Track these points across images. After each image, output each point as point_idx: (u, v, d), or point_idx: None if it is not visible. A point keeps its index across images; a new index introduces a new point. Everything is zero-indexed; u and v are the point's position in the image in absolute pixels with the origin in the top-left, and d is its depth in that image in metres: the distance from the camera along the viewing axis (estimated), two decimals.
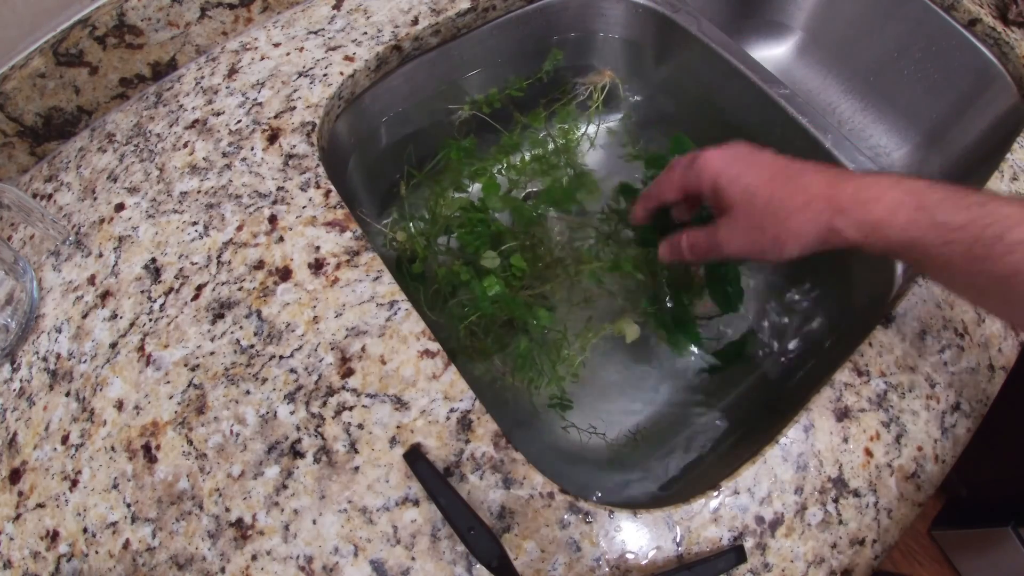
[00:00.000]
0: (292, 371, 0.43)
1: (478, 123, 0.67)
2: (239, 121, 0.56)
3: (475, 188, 0.65)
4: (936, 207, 0.32)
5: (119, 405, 0.44)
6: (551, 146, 0.67)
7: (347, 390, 0.42)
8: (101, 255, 0.50)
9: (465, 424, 0.41)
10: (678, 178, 0.42)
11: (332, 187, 0.51)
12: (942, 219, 0.32)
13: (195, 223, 0.50)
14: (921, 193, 0.33)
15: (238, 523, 0.39)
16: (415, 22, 0.61)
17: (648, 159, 0.59)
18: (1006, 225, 0.30)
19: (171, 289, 0.48)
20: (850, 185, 0.35)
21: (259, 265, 0.48)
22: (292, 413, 0.42)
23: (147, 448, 0.42)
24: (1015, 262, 0.30)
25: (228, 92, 0.58)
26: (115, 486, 0.41)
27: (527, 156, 0.67)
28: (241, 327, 0.45)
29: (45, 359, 0.47)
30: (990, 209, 0.31)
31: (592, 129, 0.70)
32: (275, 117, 0.56)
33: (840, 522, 0.39)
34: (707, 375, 0.58)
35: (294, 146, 0.54)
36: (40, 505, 0.42)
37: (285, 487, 0.40)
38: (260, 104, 0.57)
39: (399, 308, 0.45)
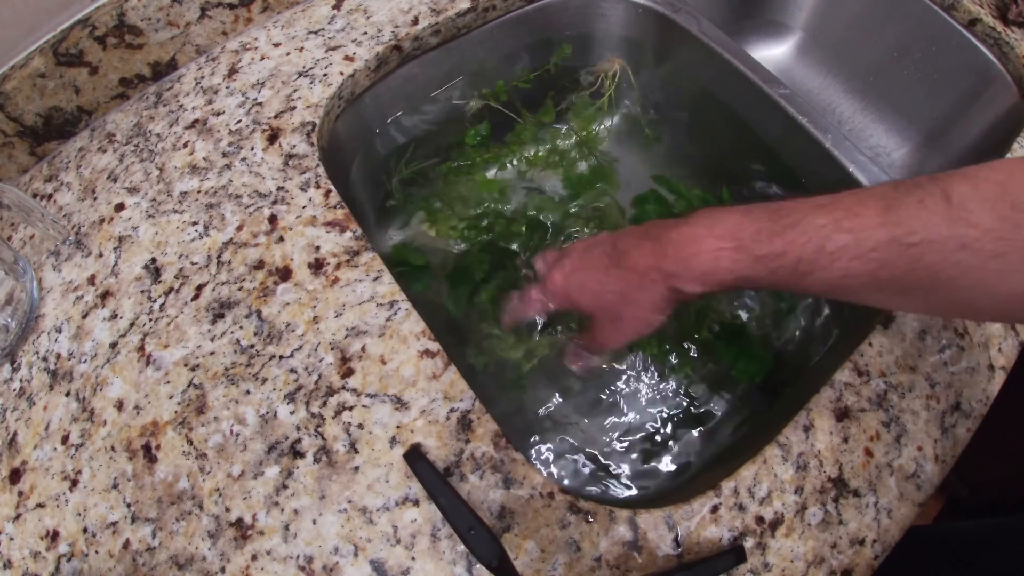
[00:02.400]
0: (292, 371, 0.43)
1: (488, 115, 0.67)
2: (239, 121, 0.56)
3: (490, 174, 0.66)
4: (752, 243, 0.33)
5: (119, 405, 0.44)
6: (573, 138, 0.67)
7: (347, 390, 0.42)
8: (101, 255, 0.50)
9: (465, 424, 0.41)
10: (538, 304, 0.45)
11: (332, 187, 0.51)
12: (761, 252, 0.33)
13: (195, 223, 0.50)
14: (736, 232, 0.34)
15: (238, 523, 0.39)
16: (415, 22, 0.61)
17: (634, 200, 0.63)
18: (823, 236, 0.31)
19: (171, 289, 0.48)
20: (670, 247, 0.36)
21: (259, 265, 0.48)
22: (292, 413, 0.42)
23: (147, 448, 0.42)
24: (841, 267, 0.31)
25: (228, 92, 0.58)
26: (115, 486, 0.41)
27: (541, 151, 0.67)
28: (241, 327, 0.45)
29: (45, 359, 0.47)
30: (804, 227, 0.32)
31: (608, 119, 0.70)
32: (275, 117, 0.56)
33: (840, 522, 0.39)
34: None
35: (294, 146, 0.54)
36: (40, 505, 0.42)
37: (285, 487, 0.40)
38: (260, 104, 0.57)
39: (399, 308, 0.45)
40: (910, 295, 0.31)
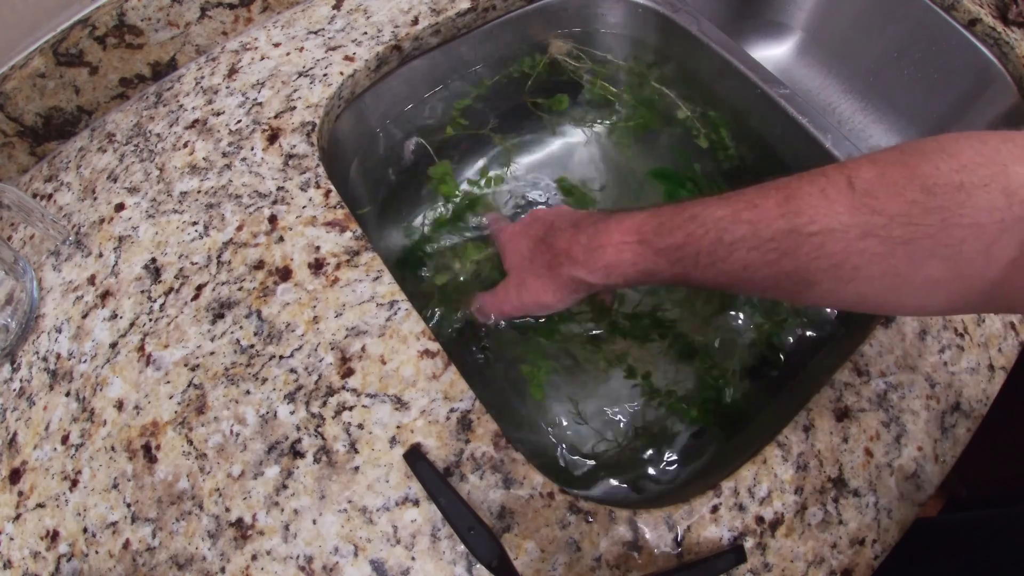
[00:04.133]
0: (292, 371, 0.43)
1: (476, 113, 0.67)
2: (239, 121, 0.56)
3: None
4: (654, 236, 0.35)
5: (119, 405, 0.44)
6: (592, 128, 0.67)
7: (347, 390, 0.42)
8: (101, 255, 0.50)
9: (465, 424, 0.41)
10: (493, 237, 0.50)
11: (332, 187, 0.51)
12: (662, 245, 0.34)
13: (195, 223, 0.50)
14: (640, 227, 0.36)
15: (238, 523, 0.39)
16: (415, 22, 0.61)
17: (653, 173, 0.62)
18: (720, 228, 0.32)
19: (171, 289, 0.48)
20: (583, 237, 0.38)
21: (259, 265, 0.48)
22: (292, 413, 0.42)
23: (147, 448, 0.42)
24: (740, 258, 0.31)
25: (228, 92, 0.58)
26: (115, 486, 0.41)
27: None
28: (241, 327, 0.45)
29: (45, 359, 0.47)
30: (703, 219, 0.32)
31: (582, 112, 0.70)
32: (275, 117, 0.56)
33: (840, 522, 0.39)
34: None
35: (294, 146, 0.54)
36: (40, 505, 0.42)
37: (285, 487, 0.40)
38: (260, 104, 0.57)
39: (399, 308, 0.45)
40: (817, 287, 0.30)
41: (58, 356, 0.47)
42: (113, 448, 0.42)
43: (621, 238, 0.36)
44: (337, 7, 0.64)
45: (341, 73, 0.58)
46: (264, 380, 0.43)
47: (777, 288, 0.32)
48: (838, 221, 0.28)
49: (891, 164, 0.28)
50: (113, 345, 0.46)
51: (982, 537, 0.57)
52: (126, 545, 0.40)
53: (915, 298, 0.29)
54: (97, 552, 0.40)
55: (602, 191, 0.65)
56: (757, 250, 0.30)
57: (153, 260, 0.49)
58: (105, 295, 0.48)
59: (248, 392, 0.43)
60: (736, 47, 0.61)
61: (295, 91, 0.57)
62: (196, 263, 0.48)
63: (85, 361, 0.46)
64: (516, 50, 0.69)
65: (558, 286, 0.41)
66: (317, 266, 0.47)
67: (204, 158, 0.54)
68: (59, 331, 0.48)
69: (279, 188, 0.51)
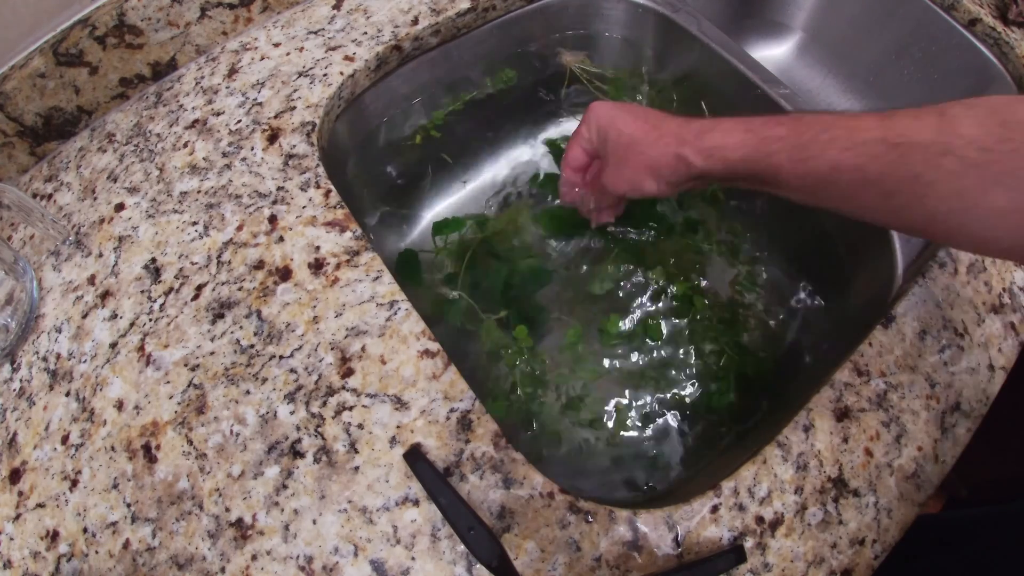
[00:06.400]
0: (292, 371, 0.43)
1: (462, 120, 0.68)
2: (239, 121, 0.56)
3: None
4: (760, 127, 0.38)
5: (119, 405, 0.44)
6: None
7: (347, 390, 0.42)
8: (101, 255, 0.50)
9: (465, 424, 0.41)
10: (583, 132, 0.48)
11: (332, 187, 0.51)
12: (765, 134, 0.38)
13: (195, 223, 0.50)
14: (749, 120, 0.39)
15: (238, 523, 0.39)
16: (415, 22, 0.61)
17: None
18: (818, 128, 0.36)
19: (171, 289, 0.48)
20: (696, 123, 0.42)
21: (259, 265, 0.48)
22: (292, 413, 0.42)
23: (147, 448, 0.42)
24: (832, 157, 0.35)
25: (228, 92, 0.58)
26: (115, 486, 0.41)
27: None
28: (241, 327, 0.45)
29: (45, 359, 0.47)
30: (805, 119, 0.37)
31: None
32: (275, 117, 0.56)
33: (840, 522, 0.39)
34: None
35: (294, 146, 0.54)
36: (40, 505, 0.42)
37: (285, 487, 0.40)
38: (260, 104, 0.57)
39: (399, 308, 0.45)
40: (895, 198, 0.34)
41: (58, 356, 0.47)
42: (113, 448, 0.42)
43: (731, 125, 0.40)
44: (337, 7, 0.64)
45: (341, 73, 0.58)
46: (264, 380, 0.43)
47: (857, 198, 0.36)
48: (922, 136, 0.32)
49: (978, 104, 0.32)
50: (113, 345, 0.46)
51: (983, 531, 0.57)
52: (126, 545, 0.40)
53: (979, 226, 0.32)
54: (97, 552, 0.40)
55: None
56: (849, 151, 0.34)
57: (153, 260, 0.49)
58: (105, 295, 0.48)
59: (248, 392, 0.43)
60: (736, 47, 0.61)
61: (295, 91, 0.57)
62: (196, 263, 0.48)
63: (85, 361, 0.46)
64: (518, 51, 0.69)
65: (660, 163, 0.43)
66: (317, 266, 0.47)
67: (204, 158, 0.54)
68: (59, 331, 0.48)
69: (279, 188, 0.51)
